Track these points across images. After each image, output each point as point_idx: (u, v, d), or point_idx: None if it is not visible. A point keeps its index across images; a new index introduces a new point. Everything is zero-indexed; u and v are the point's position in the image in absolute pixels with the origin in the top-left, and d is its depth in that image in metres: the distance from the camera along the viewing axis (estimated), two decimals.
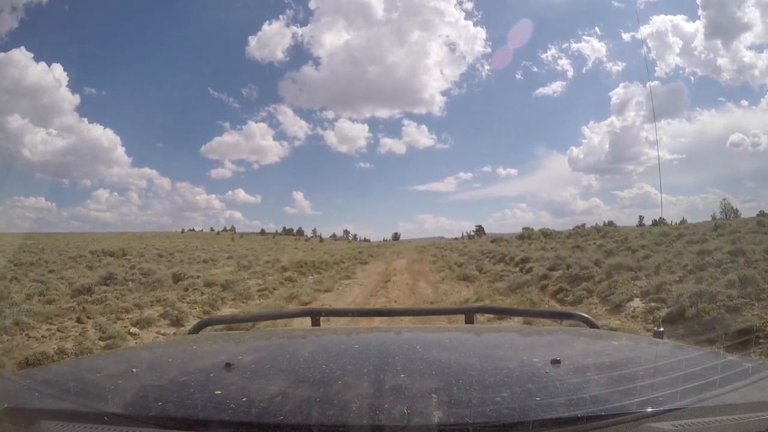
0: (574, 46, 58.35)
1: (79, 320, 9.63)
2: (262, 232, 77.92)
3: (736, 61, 47.01)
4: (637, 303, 9.87)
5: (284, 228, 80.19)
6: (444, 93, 70.88)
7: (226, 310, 10.59)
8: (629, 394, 0.86)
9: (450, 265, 18.31)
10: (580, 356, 1.18)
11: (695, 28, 49.06)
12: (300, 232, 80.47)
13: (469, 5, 62.45)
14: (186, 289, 12.51)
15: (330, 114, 71.06)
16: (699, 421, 0.76)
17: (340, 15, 72.37)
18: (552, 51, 61.56)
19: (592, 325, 1.62)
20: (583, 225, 38.34)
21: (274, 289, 12.93)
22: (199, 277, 14.00)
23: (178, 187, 70.92)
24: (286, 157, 66.79)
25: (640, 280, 11.32)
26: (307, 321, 1.83)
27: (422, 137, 68.06)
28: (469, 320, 1.84)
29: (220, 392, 0.89)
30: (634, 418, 0.77)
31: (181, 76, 72.32)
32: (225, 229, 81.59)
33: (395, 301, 11.16)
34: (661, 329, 1.50)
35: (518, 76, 64.88)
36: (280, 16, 67.21)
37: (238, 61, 70.31)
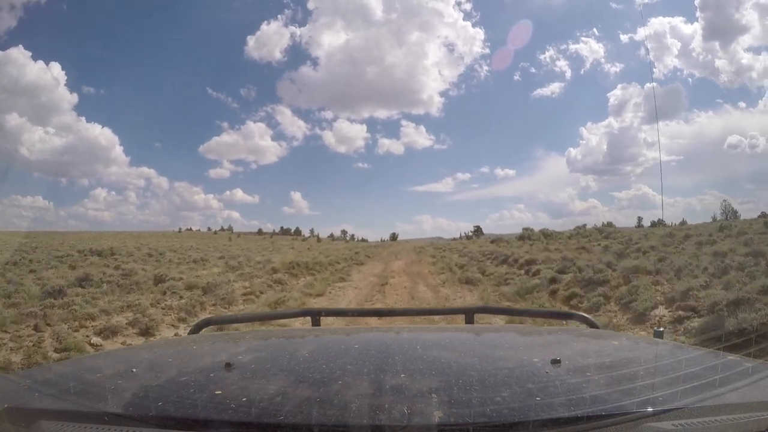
0: (573, 47, 57.75)
1: (36, 328, 8.40)
2: (260, 232, 77.05)
3: (734, 63, 46.68)
4: (662, 311, 8.74)
5: (282, 228, 79.31)
6: (442, 94, 70.22)
7: (204, 317, 9.35)
8: (629, 394, 0.84)
9: (451, 266, 17.09)
10: (580, 356, 1.17)
11: (693, 29, 48.69)
12: (297, 232, 79.52)
13: (468, 6, 61.86)
14: (164, 293, 11.30)
15: (328, 114, 70.21)
16: (699, 421, 0.75)
17: (339, 15, 71.78)
18: (550, 52, 60.84)
19: (592, 325, 1.59)
20: (584, 225, 37.24)
21: (261, 292, 11.70)
22: (181, 279, 12.77)
23: (176, 186, 70.25)
24: (285, 157, 66.06)
25: (661, 285, 10.18)
26: (307, 321, 1.81)
27: (420, 138, 67.31)
28: (469, 320, 1.81)
29: (220, 392, 0.88)
30: (634, 418, 0.75)
31: (179, 76, 71.47)
32: (222, 229, 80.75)
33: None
34: (662, 329, 1.49)
35: (516, 77, 64.21)
36: (279, 16, 66.40)
37: (236, 61, 69.67)
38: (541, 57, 62.14)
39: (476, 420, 0.75)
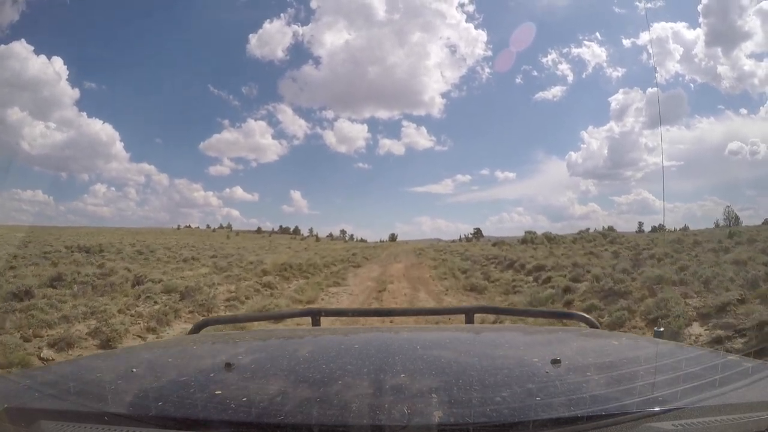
0: (575, 51, 56.85)
1: None
2: (259, 231, 75.94)
3: (736, 69, 46.00)
4: (697, 329, 7.56)
5: (281, 227, 78.25)
6: (444, 95, 69.21)
7: (178, 327, 8.17)
8: (629, 394, 0.84)
9: (453, 271, 15.86)
10: (580, 356, 1.16)
11: (696, 35, 48.00)
12: (296, 231, 78.40)
13: (471, 8, 60.59)
14: (138, 296, 10.10)
15: (329, 114, 69.06)
16: (699, 421, 0.74)
17: (342, 15, 70.77)
18: (552, 55, 59.80)
19: (592, 325, 1.58)
20: (587, 229, 36.05)
21: (247, 298, 10.49)
22: (161, 280, 11.55)
23: (176, 183, 69.40)
24: (285, 155, 65.14)
25: (690, 298, 8.98)
26: (307, 321, 1.79)
27: (421, 139, 66.27)
28: (469, 320, 1.79)
29: (220, 392, 0.87)
30: (634, 418, 0.75)
31: (181, 73, 70.46)
32: (221, 227, 79.82)
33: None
34: (662, 329, 1.53)
35: (518, 80, 63.14)
36: (281, 15, 65.39)
37: (238, 58, 68.63)
38: (544, 60, 61.19)
39: (476, 420, 0.74)
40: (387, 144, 68.17)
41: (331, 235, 76.80)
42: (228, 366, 1.01)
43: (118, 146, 59.50)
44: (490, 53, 57.19)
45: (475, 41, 58.17)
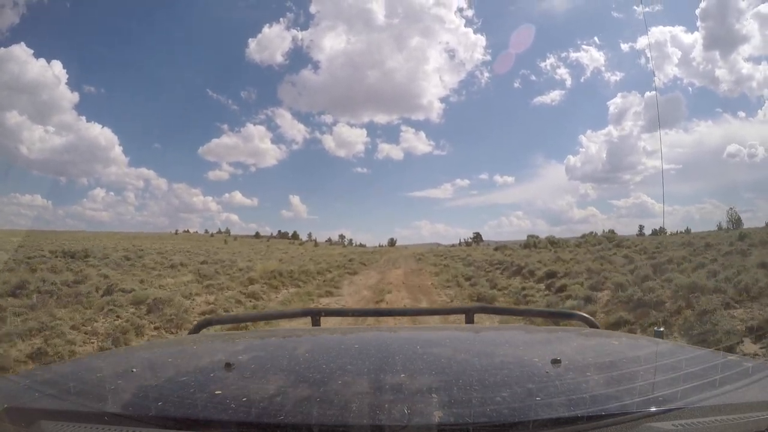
0: (573, 55, 56.20)
1: None
2: (257, 236, 74.82)
3: (734, 72, 45.69)
4: (751, 347, 6.25)
5: (279, 231, 77.19)
6: (443, 100, 68.10)
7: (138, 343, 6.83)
8: (629, 394, 0.83)
9: (457, 278, 14.49)
10: (580, 356, 1.15)
11: (694, 39, 47.54)
12: (295, 235, 77.30)
13: (470, 13, 59.79)
14: (102, 308, 8.76)
15: (328, 118, 67.94)
16: (699, 421, 0.74)
17: (341, 20, 69.81)
18: (551, 60, 59.03)
19: (592, 325, 1.55)
20: (592, 233, 34.66)
21: (226, 311, 9.14)
22: (132, 290, 10.20)
23: (175, 188, 68.48)
24: (284, 160, 64.26)
25: (733, 309, 7.68)
26: (307, 321, 1.75)
27: (420, 143, 65.32)
28: (469, 320, 1.77)
29: (220, 392, 0.86)
30: (634, 418, 0.74)
31: (180, 77, 69.61)
32: (220, 232, 78.64)
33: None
34: (661, 329, 1.44)
35: (517, 85, 62.37)
36: (281, 19, 64.54)
37: (237, 63, 67.78)
38: (542, 65, 60.49)
39: (476, 420, 0.73)
40: (386, 149, 67.25)
41: (329, 240, 75.71)
42: (228, 366, 0.99)
43: (117, 150, 58.83)
44: (489, 58, 56.49)
45: (474, 46, 57.51)
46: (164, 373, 1.05)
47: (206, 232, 78.98)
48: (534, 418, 0.73)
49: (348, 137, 67.73)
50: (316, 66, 61.35)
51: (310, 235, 76.52)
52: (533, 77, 62.57)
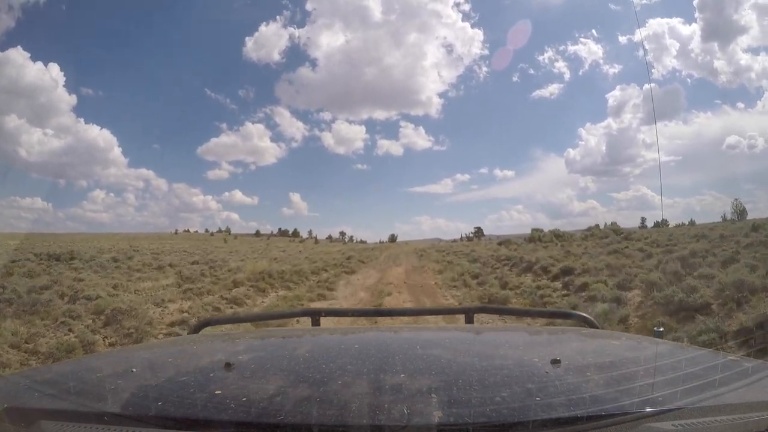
0: (571, 48, 54.93)
1: None
2: (257, 234, 73.68)
3: (733, 63, 44.73)
4: None
5: (280, 229, 76.16)
6: (441, 95, 66.94)
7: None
8: (629, 394, 0.81)
9: (463, 276, 13.13)
10: (580, 356, 1.14)
11: (692, 30, 46.61)
12: (296, 233, 76.18)
13: (467, 7, 58.45)
14: (57, 320, 7.46)
15: (327, 115, 66.64)
16: (699, 421, 0.73)
17: (338, 17, 68.40)
18: (549, 53, 57.61)
19: (592, 325, 1.54)
20: (597, 226, 33.28)
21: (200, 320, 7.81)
22: (98, 297, 8.88)
23: (175, 188, 67.65)
24: (284, 158, 63.30)
25: None
26: (307, 321, 1.74)
27: (419, 139, 64.12)
28: (469, 320, 1.76)
29: (220, 392, 0.85)
30: (634, 418, 0.73)
31: (177, 77, 68.30)
32: (220, 231, 77.74)
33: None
34: (661, 329, 1.42)
35: (515, 78, 61.04)
36: (277, 17, 63.27)
37: (234, 62, 66.54)
38: (540, 58, 59.09)
39: (476, 420, 0.72)
40: (385, 145, 66.11)
41: (330, 237, 74.51)
42: (228, 366, 0.98)
43: (116, 152, 57.98)
44: (486, 52, 55.18)
45: (472, 40, 56.17)
46: (164, 373, 1.03)
47: (206, 231, 78.12)
48: (534, 418, 0.72)
49: (347, 134, 66.69)
50: (313, 63, 60.21)
51: (310, 232, 75.52)
52: (531, 71, 61.37)
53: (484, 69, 56.87)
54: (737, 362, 1.01)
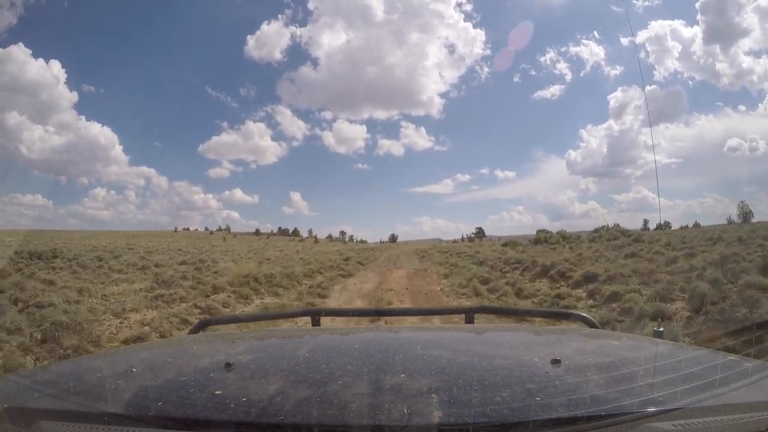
0: (573, 49, 53.87)
1: None
2: (257, 233, 72.36)
3: (735, 66, 43.81)
4: None
5: (280, 228, 74.96)
6: (443, 95, 65.78)
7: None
8: (629, 394, 0.79)
9: (471, 281, 11.68)
10: (580, 356, 1.11)
11: (694, 32, 45.53)
12: (296, 232, 74.92)
13: (469, 7, 57.24)
14: None
15: (328, 115, 65.49)
16: (699, 421, 0.72)
17: (340, 16, 67.28)
18: (550, 54, 56.47)
19: (592, 325, 1.52)
20: (604, 227, 31.77)
21: (162, 336, 6.39)
22: (51, 305, 7.47)
23: (176, 186, 67.45)
24: (284, 157, 62.42)
25: None
26: (307, 321, 1.72)
27: (420, 139, 63.02)
28: (469, 320, 1.74)
29: (220, 392, 0.83)
30: (634, 418, 0.72)
31: (179, 75, 67.43)
32: (220, 229, 76.61)
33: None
34: (661, 329, 1.41)
35: (516, 79, 59.95)
36: (279, 16, 62.29)
37: (236, 60, 65.56)
38: (542, 59, 57.85)
39: (476, 420, 0.71)
40: (386, 144, 65.01)
41: (330, 237, 73.22)
42: (228, 366, 0.96)
43: (117, 149, 57.12)
44: (488, 52, 54.03)
45: (474, 41, 55.03)
46: (164, 373, 1.02)
47: (206, 229, 77.12)
48: (534, 418, 0.71)
49: (348, 133, 65.60)
50: (315, 62, 59.11)
51: (310, 231, 74.36)
52: (533, 72, 60.24)
53: (486, 69, 55.66)
54: (737, 362, 0.98)
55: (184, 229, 76.18)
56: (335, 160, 68.02)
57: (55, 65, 48.16)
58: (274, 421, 0.71)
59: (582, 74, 54.45)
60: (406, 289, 11.22)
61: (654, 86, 46.66)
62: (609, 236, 27.97)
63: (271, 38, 59.05)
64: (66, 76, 47.53)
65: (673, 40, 47.25)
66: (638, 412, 0.72)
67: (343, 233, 74.27)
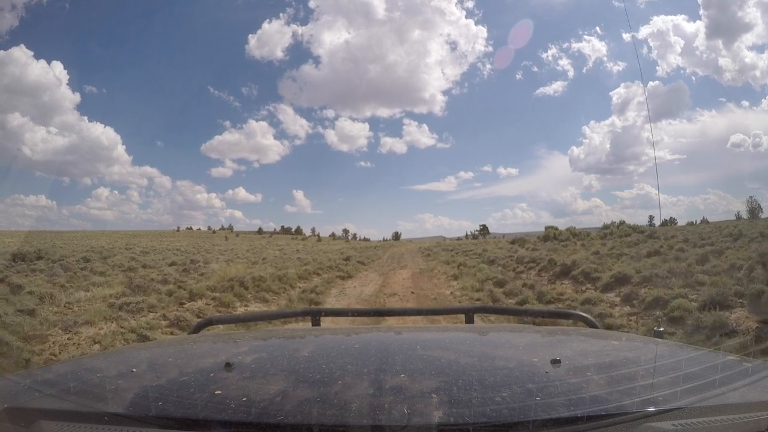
0: (575, 45, 52.59)
1: None
2: (260, 231, 71.26)
3: (738, 61, 42.16)
4: None
5: (282, 227, 73.89)
6: (445, 92, 64.51)
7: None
8: (629, 394, 0.79)
9: (483, 284, 10.33)
10: (579, 356, 1.10)
11: (696, 28, 44.11)
12: (298, 231, 73.83)
13: (470, 4, 56.05)
14: None
15: (330, 113, 64.45)
16: (699, 421, 0.71)
17: (341, 14, 66.30)
18: (553, 50, 55.28)
19: (592, 325, 1.51)
20: (615, 223, 30.33)
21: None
22: None
23: (179, 185, 67.88)
24: (287, 155, 61.46)
25: None
26: (307, 320, 1.69)
27: (423, 137, 61.88)
28: (469, 320, 1.73)
29: (220, 392, 0.82)
30: (634, 418, 0.71)
31: (181, 75, 66.47)
32: (223, 228, 75.50)
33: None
34: (661, 329, 1.41)
35: (519, 76, 58.80)
36: (280, 15, 61.17)
37: (238, 59, 64.67)
38: (544, 56, 56.63)
39: (476, 420, 0.70)
40: (389, 142, 63.78)
41: (333, 235, 72.11)
42: (228, 366, 0.95)
43: (120, 149, 56.29)
44: (490, 49, 52.80)
45: (476, 37, 53.80)
46: (164, 373, 1.01)
47: (209, 228, 76.13)
48: (534, 418, 0.70)
49: (350, 131, 64.50)
50: (316, 61, 58.05)
51: (313, 230, 73.30)
52: (535, 68, 58.97)
53: (488, 66, 54.37)
54: (737, 362, 0.97)
55: (187, 228, 75.30)
56: (338, 158, 66.88)
57: (58, 66, 47.29)
58: (274, 421, 0.70)
59: (584, 70, 53.11)
60: (412, 293, 9.86)
61: (657, 82, 45.17)
62: (620, 233, 26.58)
63: (272, 37, 57.97)
64: (68, 77, 46.69)
65: (675, 35, 45.94)
66: (638, 411, 0.71)
67: (346, 231, 73.19)
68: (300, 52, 64.33)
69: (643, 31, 45.17)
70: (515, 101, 68.89)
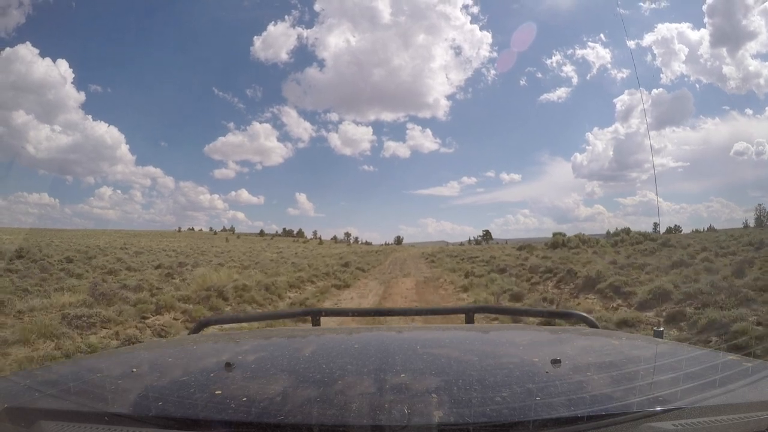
0: (579, 52, 51.75)
1: None
2: (261, 233, 70.08)
3: (742, 69, 41.01)
4: None
5: (284, 229, 72.77)
6: (449, 97, 63.56)
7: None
8: (629, 394, 0.78)
9: (498, 297, 9.04)
10: (580, 356, 1.08)
11: (701, 35, 43.13)
12: (300, 233, 72.63)
13: (475, 9, 55.19)
14: None
15: (334, 116, 63.55)
16: (699, 421, 0.70)
17: (346, 17, 65.51)
18: (557, 57, 54.35)
19: (592, 325, 1.48)
20: (622, 230, 29.02)
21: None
22: None
23: (182, 186, 67.33)
24: (290, 158, 60.65)
25: None
26: (307, 321, 1.69)
27: (426, 141, 60.83)
28: (469, 320, 1.71)
29: (220, 392, 0.81)
30: (635, 418, 0.70)
31: (185, 75, 65.91)
32: (224, 230, 74.44)
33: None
34: (661, 329, 1.38)
35: (523, 82, 57.81)
36: (286, 17, 60.55)
37: (242, 61, 63.97)
38: (548, 62, 55.67)
39: (476, 420, 0.69)
40: (392, 146, 62.83)
41: (335, 238, 70.83)
42: (228, 366, 0.95)
43: (124, 149, 55.59)
44: (495, 54, 52.00)
45: (480, 43, 53.02)
46: (164, 373, 1.00)
47: (210, 230, 75.03)
48: (534, 418, 0.70)
49: (354, 135, 63.62)
50: (321, 64, 57.30)
51: (315, 232, 72.11)
52: (539, 74, 58.09)
53: (493, 72, 53.39)
54: (737, 362, 0.96)
55: (189, 229, 74.27)
56: (341, 161, 65.98)
57: (63, 65, 46.55)
58: (274, 421, 0.70)
59: (588, 77, 52.15)
60: (416, 306, 8.60)
61: (660, 89, 44.16)
62: (631, 240, 25.27)
63: (277, 39, 57.22)
64: (73, 75, 45.89)
65: (680, 43, 44.80)
66: (638, 411, 0.71)
67: (348, 235, 72.05)
68: (305, 55, 63.71)
69: (648, 39, 44.22)
70: (519, 107, 67.92)
